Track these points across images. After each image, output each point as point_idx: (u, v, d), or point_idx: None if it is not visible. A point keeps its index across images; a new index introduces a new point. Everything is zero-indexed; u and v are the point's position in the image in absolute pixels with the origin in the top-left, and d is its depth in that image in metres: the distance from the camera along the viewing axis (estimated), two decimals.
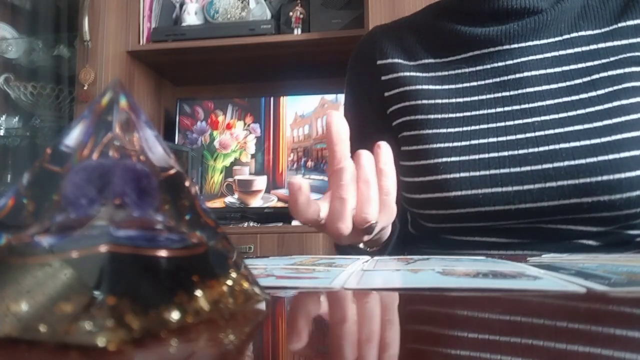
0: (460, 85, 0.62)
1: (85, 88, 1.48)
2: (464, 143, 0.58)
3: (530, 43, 0.60)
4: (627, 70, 0.56)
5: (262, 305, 0.22)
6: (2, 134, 1.75)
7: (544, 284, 0.26)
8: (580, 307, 0.22)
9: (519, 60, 0.60)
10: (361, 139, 0.70)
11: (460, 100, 0.61)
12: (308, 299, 0.25)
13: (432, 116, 0.61)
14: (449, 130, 0.59)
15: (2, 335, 0.15)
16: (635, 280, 0.26)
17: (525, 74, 0.59)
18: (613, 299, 0.23)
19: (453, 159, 0.57)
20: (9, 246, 0.18)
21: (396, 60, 0.67)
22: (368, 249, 0.55)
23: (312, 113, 1.68)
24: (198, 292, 0.18)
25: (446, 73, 0.64)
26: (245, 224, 1.56)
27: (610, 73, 0.56)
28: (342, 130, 0.43)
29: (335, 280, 0.28)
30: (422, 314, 0.22)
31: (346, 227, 0.42)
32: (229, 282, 0.20)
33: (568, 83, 0.57)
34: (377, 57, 0.68)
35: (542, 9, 0.60)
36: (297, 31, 1.57)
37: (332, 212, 0.42)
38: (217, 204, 1.67)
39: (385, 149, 0.44)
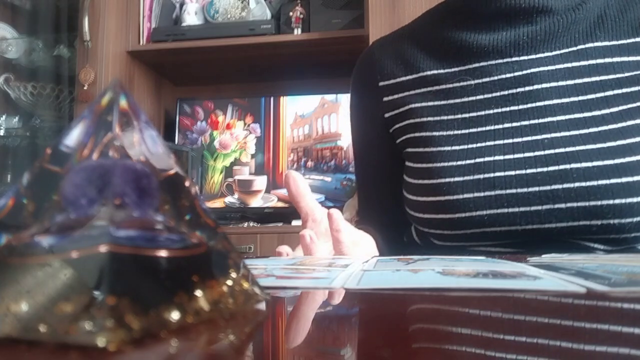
0: (465, 99, 0.59)
1: (85, 88, 1.48)
2: (468, 161, 0.55)
3: (541, 55, 0.57)
4: None
5: (262, 305, 0.22)
6: (2, 134, 1.75)
7: (544, 284, 0.26)
8: (580, 307, 0.22)
9: (529, 71, 0.56)
10: (367, 161, 0.72)
11: (466, 115, 0.58)
12: (308, 299, 0.25)
13: (436, 133, 0.59)
14: (454, 148, 0.57)
15: (2, 335, 0.15)
16: (635, 280, 0.26)
17: (536, 86, 0.56)
18: (613, 299, 0.23)
19: (457, 179, 0.55)
20: (9, 246, 0.18)
21: (399, 79, 0.64)
22: None
23: (312, 113, 1.68)
24: (198, 292, 0.18)
25: (451, 86, 0.60)
26: (245, 224, 1.56)
27: (625, 90, 0.54)
28: (301, 186, 0.50)
29: (335, 280, 0.28)
30: (422, 314, 0.22)
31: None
32: (229, 282, 0.20)
33: (581, 97, 0.54)
34: (378, 79, 0.66)
35: (553, 10, 0.56)
36: (297, 31, 1.57)
37: None
38: (217, 204, 1.67)
39: (335, 216, 0.49)
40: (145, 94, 1.73)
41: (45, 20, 1.74)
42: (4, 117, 1.75)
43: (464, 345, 0.16)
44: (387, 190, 0.68)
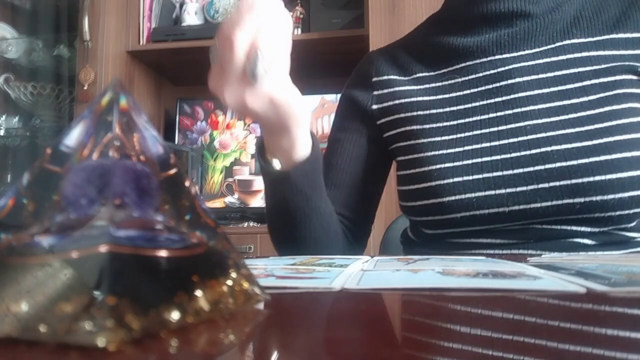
0: (453, 95, 0.63)
1: (85, 88, 1.48)
2: (457, 149, 0.59)
3: (522, 52, 0.61)
4: (618, 77, 0.57)
5: (262, 305, 0.22)
6: (2, 134, 1.75)
7: (544, 284, 0.26)
8: (580, 307, 0.22)
9: (510, 67, 0.61)
10: (341, 147, 0.69)
11: (454, 108, 0.62)
12: (308, 299, 0.25)
13: (427, 126, 0.62)
14: (444, 138, 0.60)
15: (2, 335, 0.15)
16: (635, 280, 0.26)
17: (517, 79, 0.60)
18: (613, 299, 0.23)
19: (447, 165, 0.58)
20: (9, 246, 0.18)
21: (391, 77, 0.68)
22: (282, 166, 0.54)
23: (312, 113, 1.68)
24: (198, 292, 0.18)
25: (440, 84, 0.65)
26: (245, 224, 1.56)
27: (602, 80, 0.57)
28: None
29: (335, 280, 0.28)
30: (422, 314, 0.22)
31: (242, 40, 0.43)
32: (229, 282, 0.20)
33: (560, 88, 0.58)
34: (373, 75, 0.70)
35: (531, 13, 0.61)
36: (297, 31, 1.57)
37: (237, 16, 0.44)
38: (217, 204, 1.67)
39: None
40: (145, 94, 1.73)
41: (45, 20, 1.74)
42: (4, 117, 1.75)
43: (464, 345, 0.16)
44: (352, 180, 0.68)
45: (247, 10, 0.43)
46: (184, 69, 1.75)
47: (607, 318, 0.20)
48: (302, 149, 0.53)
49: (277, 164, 0.54)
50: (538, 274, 0.29)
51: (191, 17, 1.65)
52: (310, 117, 0.50)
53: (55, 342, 0.15)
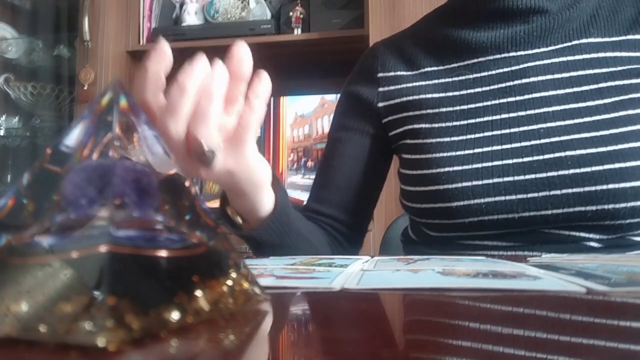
0: (464, 92, 0.61)
1: (85, 88, 1.48)
2: (467, 152, 0.57)
3: (537, 50, 0.59)
4: (634, 80, 0.56)
5: (262, 305, 0.22)
6: (2, 134, 1.75)
7: (544, 284, 0.26)
8: (581, 307, 0.22)
9: (525, 65, 0.59)
10: (342, 146, 0.67)
11: (465, 107, 0.60)
12: (308, 299, 0.25)
13: (436, 125, 0.60)
14: (453, 138, 0.58)
15: (2, 335, 0.15)
16: (635, 280, 0.26)
17: (532, 79, 0.58)
18: (613, 299, 0.23)
19: (456, 168, 0.56)
20: (9, 246, 0.18)
21: (398, 73, 0.66)
22: (242, 222, 0.52)
23: (312, 113, 1.68)
24: (198, 292, 0.18)
25: (449, 80, 0.62)
26: None
27: (617, 82, 0.56)
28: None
29: (335, 280, 0.28)
30: (422, 314, 0.22)
31: (176, 130, 0.37)
32: (229, 282, 0.20)
33: (575, 89, 0.56)
34: (378, 70, 0.67)
35: (548, 10, 0.59)
36: (297, 31, 1.57)
37: (168, 102, 0.37)
38: (217, 204, 1.67)
39: (265, 81, 0.41)
40: None
41: (45, 20, 1.74)
42: (4, 117, 1.75)
43: (463, 345, 0.16)
44: (352, 183, 0.66)
45: (178, 92, 0.38)
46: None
47: (607, 318, 0.20)
48: (265, 208, 0.50)
49: (239, 221, 0.52)
50: (538, 274, 0.29)
51: (191, 17, 1.65)
52: (270, 176, 0.47)
53: (55, 342, 0.15)
